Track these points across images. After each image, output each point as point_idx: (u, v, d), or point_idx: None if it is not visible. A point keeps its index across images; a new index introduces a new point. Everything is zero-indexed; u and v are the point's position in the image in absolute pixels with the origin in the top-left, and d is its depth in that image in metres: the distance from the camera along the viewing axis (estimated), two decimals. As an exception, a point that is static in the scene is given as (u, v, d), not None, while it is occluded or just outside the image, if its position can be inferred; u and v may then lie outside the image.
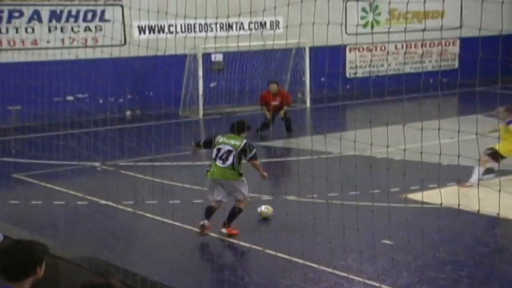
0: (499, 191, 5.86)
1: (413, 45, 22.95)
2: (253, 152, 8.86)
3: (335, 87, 19.67)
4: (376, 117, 7.42)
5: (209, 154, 9.24)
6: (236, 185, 8.84)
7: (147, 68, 18.19)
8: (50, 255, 3.88)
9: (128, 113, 18.79)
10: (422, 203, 8.64)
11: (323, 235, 7.94)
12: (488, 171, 11.13)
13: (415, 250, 7.98)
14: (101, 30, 18.28)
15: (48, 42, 17.58)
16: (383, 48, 22.32)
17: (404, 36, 20.06)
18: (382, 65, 22.37)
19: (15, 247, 3.72)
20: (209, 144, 9.07)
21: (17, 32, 17.59)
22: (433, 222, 8.52)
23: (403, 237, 7.88)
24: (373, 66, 22.13)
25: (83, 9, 18.28)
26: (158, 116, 16.88)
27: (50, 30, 17.84)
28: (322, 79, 19.99)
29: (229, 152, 8.76)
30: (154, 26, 18.58)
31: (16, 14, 17.60)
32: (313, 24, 6.95)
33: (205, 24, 18.89)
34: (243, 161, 8.92)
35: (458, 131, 5.79)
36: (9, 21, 17.54)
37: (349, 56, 21.95)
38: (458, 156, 6.20)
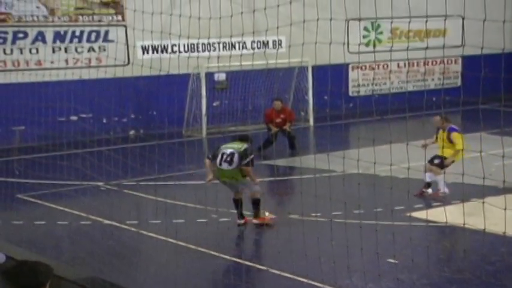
0: (505, 209, 5.84)
1: (415, 64, 23.02)
2: (250, 158, 9.38)
3: (338, 105, 19.71)
4: (379, 135, 7.44)
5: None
6: (243, 183, 9.52)
7: (151, 88, 18.26)
8: (53, 276, 3.86)
9: (132, 132, 18.82)
10: (427, 221, 8.61)
11: (327, 254, 7.90)
12: (428, 185, 11.36)
13: (420, 269, 7.93)
14: (104, 50, 18.38)
15: (52, 62, 17.68)
16: (385, 66, 22.38)
17: (407, 54, 20.13)
18: (385, 83, 22.42)
19: (20, 268, 3.71)
20: (217, 155, 9.68)
21: (21, 53, 17.70)
22: (438, 240, 8.48)
23: (408, 256, 7.83)
24: (375, 85, 22.18)
25: (87, 29, 18.41)
26: (161, 136, 16.90)
27: (54, 51, 17.96)
28: (325, 97, 20.05)
29: (232, 154, 9.37)
30: (158, 45, 18.68)
31: (21, 35, 17.73)
32: (316, 43, 6.98)
33: (208, 43, 19.00)
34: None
35: (462, 149, 5.78)
36: (13, 42, 17.66)
37: (352, 75, 22.01)
38: (463, 175, 6.19)
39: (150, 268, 8.40)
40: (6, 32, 17.57)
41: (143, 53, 18.72)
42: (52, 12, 18.00)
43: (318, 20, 6.93)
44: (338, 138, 15.25)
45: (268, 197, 12.56)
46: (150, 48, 18.70)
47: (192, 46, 19.17)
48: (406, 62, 22.22)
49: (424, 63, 22.51)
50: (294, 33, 8.06)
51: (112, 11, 18.69)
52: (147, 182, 12.38)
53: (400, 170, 7.65)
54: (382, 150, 7.37)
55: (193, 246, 8.98)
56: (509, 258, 8.89)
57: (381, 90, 22.29)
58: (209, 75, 18.91)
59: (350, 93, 22.05)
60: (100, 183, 12.52)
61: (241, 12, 8.30)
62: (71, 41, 18.24)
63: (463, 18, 20.95)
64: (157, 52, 18.58)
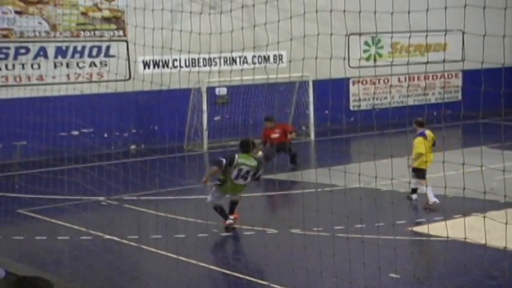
0: (506, 223, 5.82)
1: (416, 78, 23.07)
2: (260, 173, 10.62)
3: (339, 120, 19.73)
4: (380, 149, 7.43)
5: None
6: (241, 193, 10.61)
7: (152, 103, 18.29)
8: (54, 291, 3.85)
9: (133, 147, 18.84)
10: (428, 235, 8.58)
11: (329, 269, 7.87)
12: (414, 191, 11.41)
13: (421, 284, 7.89)
14: (106, 65, 18.45)
15: (53, 77, 17.74)
16: (386, 81, 22.43)
17: (407, 69, 20.19)
18: (386, 98, 22.46)
19: (20, 284, 3.70)
20: (231, 164, 10.38)
21: (23, 68, 17.77)
22: (440, 255, 8.44)
23: (410, 271, 7.80)
24: (376, 99, 22.21)
25: (89, 45, 18.49)
26: (162, 150, 16.89)
27: (55, 66, 18.03)
28: (326, 112, 20.07)
29: (248, 172, 10.40)
30: (159, 60, 18.75)
31: (22, 51, 17.80)
32: (316, 58, 7.01)
33: (209, 58, 19.06)
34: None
35: (463, 164, 5.79)
36: (15, 57, 17.74)
37: (353, 89, 22.06)
38: (464, 189, 6.18)
39: (151, 283, 8.36)
40: (8, 48, 17.64)
41: (144, 68, 18.78)
42: (54, 27, 18.09)
43: (318, 34, 6.96)
44: (339, 153, 15.25)
45: (270, 211, 12.54)
46: (151, 63, 18.76)
47: (193, 61, 19.24)
48: (407, 77, 22.29)
49: (425, 78, 22.57)
50: (295, 48, 8.09)
51: (113, 26, 18.78)
52: (148, 197, 12.37)
53: (401, 184, 7.64)
54: (383, 165, 7.37)
55: (194, 261, 8.95)
56: (511, 273, 8.85)
57: (381, 105, 22.32)
58: (210, 90, 18.96)
59: (351, 108, 22.08)
60: (101, 198, 12.50)
61: (242, 27, 8.34)
62: (72, 56, 18.31)
63: (464, 33, 20.99)
64: (158, 67, 18.64)
